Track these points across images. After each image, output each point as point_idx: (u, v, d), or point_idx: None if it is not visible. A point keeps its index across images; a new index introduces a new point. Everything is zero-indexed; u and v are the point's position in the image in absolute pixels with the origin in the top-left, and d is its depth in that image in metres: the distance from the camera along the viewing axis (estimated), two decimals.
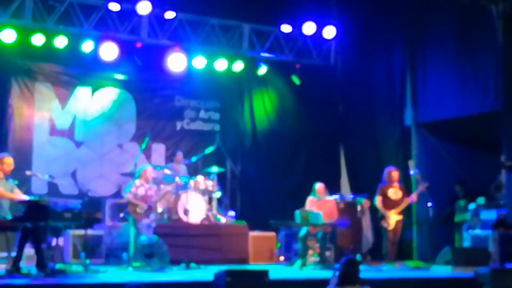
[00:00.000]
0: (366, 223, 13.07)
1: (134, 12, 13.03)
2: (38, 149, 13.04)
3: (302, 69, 14.80)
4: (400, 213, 11.99)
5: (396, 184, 12.11)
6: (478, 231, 11.86)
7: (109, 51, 12.89)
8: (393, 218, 11.89)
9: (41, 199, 9.80)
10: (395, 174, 12.11)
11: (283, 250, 12.94)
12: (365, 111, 14.53)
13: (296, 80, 14.58)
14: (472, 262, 10.46)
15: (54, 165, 13.02)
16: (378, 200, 12.05)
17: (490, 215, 11.77)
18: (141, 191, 11.31)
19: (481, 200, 12.30)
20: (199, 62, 13.90)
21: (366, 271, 10.25)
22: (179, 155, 13.17)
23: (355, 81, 14.79)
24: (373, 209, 12.42)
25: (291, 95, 15.06)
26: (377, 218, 12.25)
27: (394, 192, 12.05)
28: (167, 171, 12.70)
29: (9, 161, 9.90)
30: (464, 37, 12.61)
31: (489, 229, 11.48)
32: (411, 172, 12.92)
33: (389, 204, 11.97)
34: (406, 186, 12.61)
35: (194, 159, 13.07)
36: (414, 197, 12.11)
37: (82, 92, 13.54)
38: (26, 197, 9.84)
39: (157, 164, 13.46)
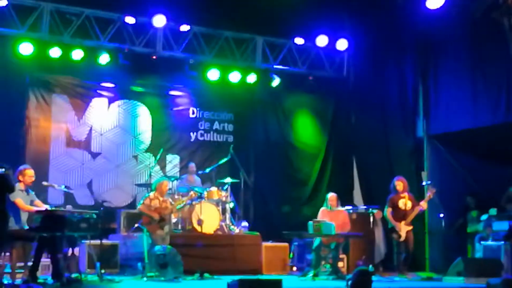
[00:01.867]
0: (379, 234, 13.12)
1: (149, 25, 13.24)
2: (54, 160, 13.22)
3: (315, 81, 14.93)
4: (410, 223, 12.01)
5: (405, 194, 12.09)
6: (490, 242, 11.86)
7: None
8: (403, 229, 11.91)
9: (57, 209, 9.93)
10: (400, 183, 12.06)
11: (296, 260, 13.02)
12: (377, 122, 14.61)
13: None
14: (484, 273, 10.44)
15: (70, 176, 13.23)
16: (388, 212, 12.07)
17: (502, 226, 11.78)
18: (155, 203, 11.39)
19: (493, 211, 12.32)
20: (213, 74, 14.07)
21: (379, 282, 10.33)
22: (192, 166, 13.31)
23: (367, 93, 14.88)
24: (385, 220, 12.45)
25: (303, 107, 15.19)
26: (387, 229, 12.27)
27: (404, 203, 12.04)
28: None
29: (30, 173, 10.03)
30: (476, 49, 12.68)
31: (501, 240, 11.50)
32: (424, 183, 12.99)
33: (399, 214, 11.96)
34: (420, 197, 12.62)
35: (208, 170, 13.19)
36: (423, 204, 12.09)
37: (98, 104, 13.73)
38: (46, 208, 9.98)
39: (172, 175, 13.62)
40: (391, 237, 12.12)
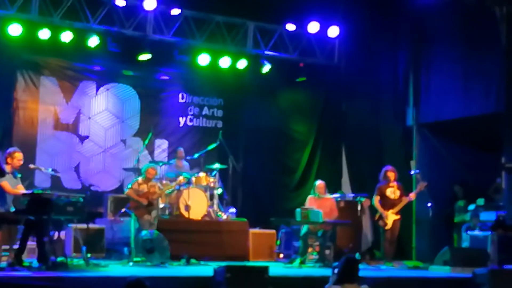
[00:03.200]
0: (366, 222, 13.12)
1: (139, 8, 13.12)
2: (42, 143, 13.15)
3: (305, 68, 14.86)
4: (398, 212, 12.03)
5: (393, 184, 12.11)
6: (477, 232, 11.89)
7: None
8: (390, 217, 11.94)
9: (44, 192, 9.86)
10: (392, 174, 12.11)
11: (283, 247, 13.02)
12: (367, 110, 14.58)
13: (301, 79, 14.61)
14: (471, 263, 10.47)
15: (57, 159, 13.16)
16: (376, 200, 12.11)
17: (489, 216, 11.80)
18: (143, 188, 11.42)
19: (480, 201, 12.33)
20: (204, 59, 13.98)
21: (365, 270, 10.33)
22: (180, 151, 13.24)
23: (358, 80, 14.82)
24: (373, 209, 12.46)
25: (294, 93, 15.13)
26: (375, 217, 12.28)
27: (392, 192, 12.08)
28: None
29: (19, 156, 9.91)
30: (467, 38, 12.66)
31: (488, 230, 11.53)
32: (412, 172, 12.99)
33: (387, 203, 12.01)
34: (408, 185, 12.63)
35: (196, 155, 13.14)
36: (412, 196, 12.13)
37: (87, 87, 13.64)
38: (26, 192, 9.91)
39: (160, 160, 13.56)
40: (378, 225, 12.15)
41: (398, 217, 12.02)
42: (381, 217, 12.00)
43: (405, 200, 12.06)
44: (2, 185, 9.62)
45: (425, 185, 12.10)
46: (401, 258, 12.64)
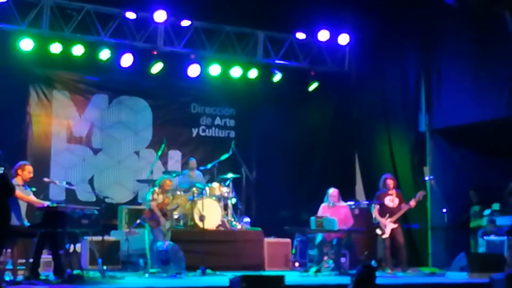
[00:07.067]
0: None
1: (150, 20, 13.18)
2: (56, 156, 13.21)
3: (316, 76, 14.85)
4: (396, 221, 11.96)
5: (392, 191, 12.07)
6: (493, 237, 11.82)
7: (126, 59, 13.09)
8: (388, 226, 11.89)
9: (58, 205, 9.88)
10: (391, 181, 12.09)
11: (298, 256, 13.00)
12: (379, 117, 14.56)
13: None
14: (487, 268, 10.41)
15: (71, 172, 13.23)
16: (374, 208, 12.08)
17: (505, 221, 11.77)
18: (158, 198, 11.42)
19: (496, 206, 12.28)
20: (215, 69, 14.01)
21: (382, 277, 10.30)
22: (193, 162, 13.25)
23: (369, 87, 14.83)
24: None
25: (305, 101, 15.12)
26: (373, 225, 12.20)
27: (391, 200, 12.03)
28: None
29: (29, 169, 9.94)
30: (478, 43, 12.62)
31: (504, 235, 11.47)
32: (426, 178, 12.94)
33: (385, 211, 11.97)
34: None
35: (209, 165, 13.15)
36: (412, 204, 12.00)
37: (99, 100, 13.70)
38: (42, 203, 9.94)
39: (173, 170, 13.57)
40: (375, 233, 12.07)
41: (396, 225, 11.95)
42: (378, 225, 11.95)
43: (404, 208, 11.98)
44: (17, 196, 9.55)
45: (424, 194, 12.11)
46: (417, 264, 12.58)
